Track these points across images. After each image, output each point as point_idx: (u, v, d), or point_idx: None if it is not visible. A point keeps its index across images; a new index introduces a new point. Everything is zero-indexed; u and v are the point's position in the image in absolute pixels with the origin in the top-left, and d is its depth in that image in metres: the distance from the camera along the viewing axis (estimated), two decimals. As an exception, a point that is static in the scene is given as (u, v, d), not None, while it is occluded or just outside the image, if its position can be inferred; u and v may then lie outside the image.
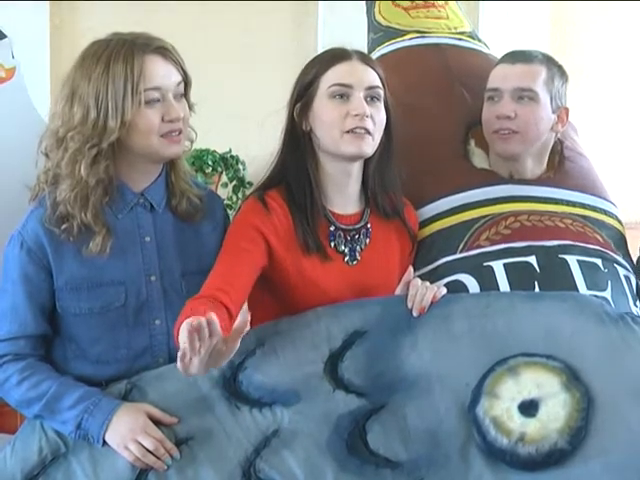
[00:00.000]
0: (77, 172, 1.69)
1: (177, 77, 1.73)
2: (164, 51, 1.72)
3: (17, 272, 1.72)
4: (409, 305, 1.73)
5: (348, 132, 1.74)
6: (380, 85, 1.79)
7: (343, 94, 1.75)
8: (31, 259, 1.72)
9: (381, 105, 1.79)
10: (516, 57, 2.01)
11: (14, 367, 1.72)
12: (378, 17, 2.51)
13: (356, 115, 1.74)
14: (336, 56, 1.78)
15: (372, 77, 1.78)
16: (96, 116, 1.67)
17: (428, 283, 1.78)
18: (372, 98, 1.77)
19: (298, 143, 1.81)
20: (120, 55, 1.68)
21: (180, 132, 1.74)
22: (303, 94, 1.80)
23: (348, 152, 1.76)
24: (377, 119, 1.77)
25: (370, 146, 1.77)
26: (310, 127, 1.80)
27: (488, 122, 2.01)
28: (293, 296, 1.80)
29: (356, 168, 1.82)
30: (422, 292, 1.73)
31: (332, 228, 1.82)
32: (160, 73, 1.70)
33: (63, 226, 1.70)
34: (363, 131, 1.75)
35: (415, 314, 1.72)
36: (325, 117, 1.76)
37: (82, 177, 1.69)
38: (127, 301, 1.75)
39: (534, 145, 2.01)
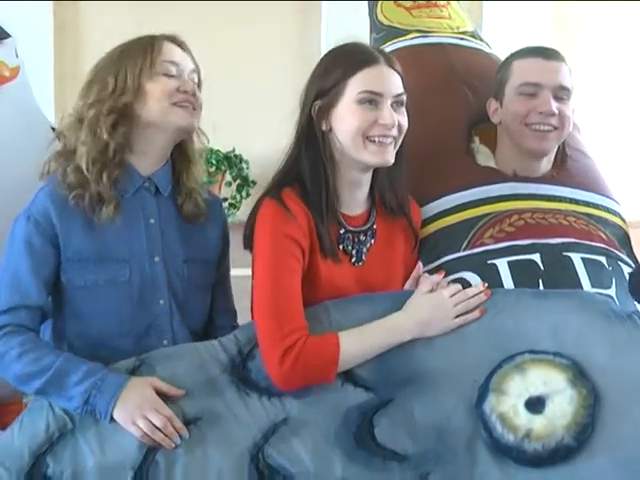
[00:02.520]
0: (98, 134, 1.73)
1: (192, 65, 1.82)
2: (181, 42, 1.81)
3: (23, 244, 1.73)
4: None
5: (372, 141, 1.73)
6: (404, 90, 1.78)
7: (372, 100, 1.74)
8: (38, 231, 1.73)
9: (404, 110, 1.78)
10: (547, 53, 2.00)
11: (15, 339, 1.70)
12: (380, 17, 2.51)
13: (384, 125, 1.73)
14: (364, 59, 1.75)
15: (399, 83, 1.77)
16: (114, 85, 1.74)
17: (436, 277, 1.79)
18: (398, 104, 1.76)
19: (315, 142, 1.78)
20: (140, 41, 1.78)
21: (194, 108, 1.79)
22: (325, 93, 1.76)
23: (371, 161, 1.75)
24: (403, 125, 1.77)
25: (392, 155, 1.77)
26: (330, 127, 1.77)
27: (523, 116, 1.96)
28: (311, 294, 1.77)
29: (370, 171, 1.82)
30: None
31: (342, 231, 1.81)
32: (178, 55, 1.79)
33: (74, 192, 1.73)
34: (390, 140, 1.74)
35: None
36: (351, 122, 1.74)
37: (104, 139, 1.73)
38: (131, 277, 1.77)
39: (562, 141, 2.02)
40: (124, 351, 1.75)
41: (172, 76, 1.77)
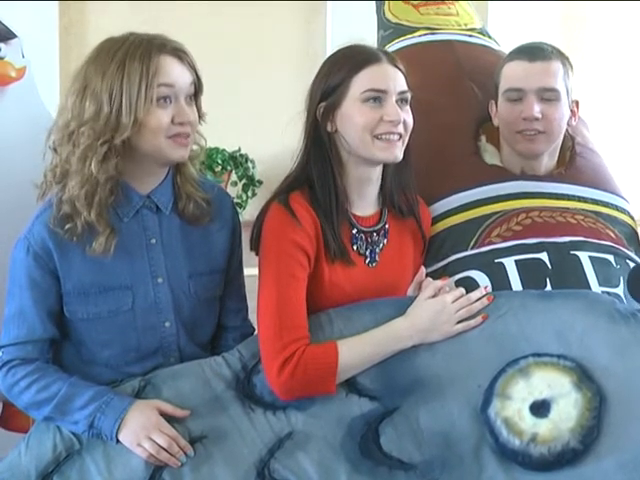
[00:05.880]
0: (87, 168, 1.67)
1: (190, 78, 1.72)
2: (180, 53, 1.71)
3: (24, 277, 1.72)
4: None
5: (380, 138, 1.73)
6: (408, 89, 1.78)
7: (377, 98, 1.73)
8: (38, 264, 1.71)
9: (409, 108, 1.78)
10: (534, 54, 1.98)
11: (23, 371, 1.71)
12: (388, 14, 2.50)
13: (390, 121, 1.73)
14: (366, 58, 1.75)
15: (402, 81, 1.77)
16: (109, 112, 1.66)
17: (439, 282, 1.77)
18: (402, 102, 1.76)
19: (321, 144, 1.78)
20: (137, 53, 1.67)
21: (188, 136, 1.72)
22: (329, 94, 1.76)
23: (380, 157, 1.75)
24: (408, 123, 1.76)
25: (401, 151, 1.76)
26: (336, 128, 1.77)
27: (511, 123, 1.97)
28: (315, 298, 1.77)
29: (378, 170, 1.81)
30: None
31: (355, 231, 1.81)
32: (175, 72, 1.69)
33: (67, 226, 1.69)
34: (397, 137, 1.74)
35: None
36: (357, 120, 1.73)
37: (92, 173, 1.67)
38: (135, 305, 1.75)
39: (556, 142, 2.00)
40: (133, 373, 1.76)
41: (167, 98, 1.68)
